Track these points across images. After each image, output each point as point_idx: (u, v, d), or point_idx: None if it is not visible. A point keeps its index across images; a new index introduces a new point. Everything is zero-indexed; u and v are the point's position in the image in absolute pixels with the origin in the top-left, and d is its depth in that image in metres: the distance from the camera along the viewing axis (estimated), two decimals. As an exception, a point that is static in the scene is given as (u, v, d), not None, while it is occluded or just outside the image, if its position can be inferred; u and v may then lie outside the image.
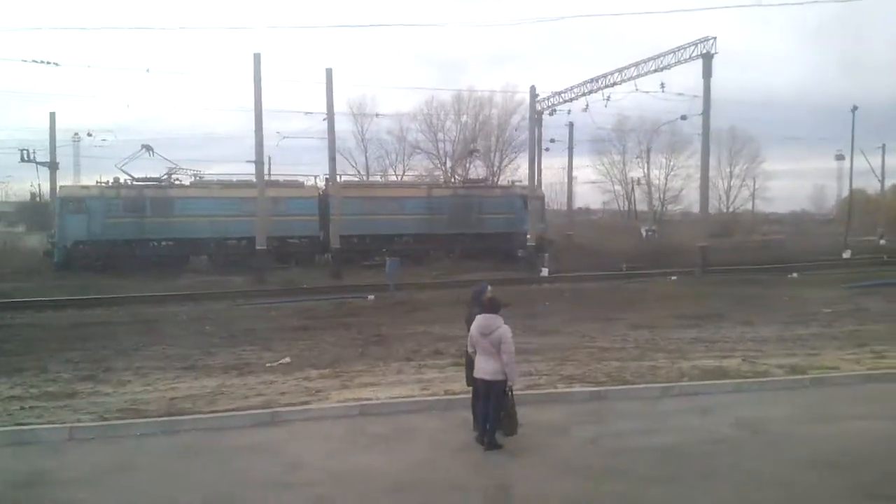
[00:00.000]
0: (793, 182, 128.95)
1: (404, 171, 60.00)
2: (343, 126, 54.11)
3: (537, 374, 10.61)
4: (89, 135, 43.23)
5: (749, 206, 75.64)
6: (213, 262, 33.38)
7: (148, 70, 49.95)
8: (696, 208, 73.86)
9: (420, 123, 60.13)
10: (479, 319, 7.38)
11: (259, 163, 28.47)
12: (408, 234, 36.69)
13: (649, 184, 64.34)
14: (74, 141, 57.48)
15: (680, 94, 31.72)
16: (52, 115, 37.68)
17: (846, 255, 38.38)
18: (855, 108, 45.67)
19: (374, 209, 35.48)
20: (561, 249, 40.02)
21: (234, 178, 35.77)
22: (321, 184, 36.56)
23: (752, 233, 67.26)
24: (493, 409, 7.30)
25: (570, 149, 46.55)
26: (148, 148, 34.68)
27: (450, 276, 30.75)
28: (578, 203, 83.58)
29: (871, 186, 64.90)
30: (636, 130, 62.61)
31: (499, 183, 48.83)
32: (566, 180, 50.13)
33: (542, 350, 12.65)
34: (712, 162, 72.19)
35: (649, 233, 57.56)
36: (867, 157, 58.63)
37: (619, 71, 34.29)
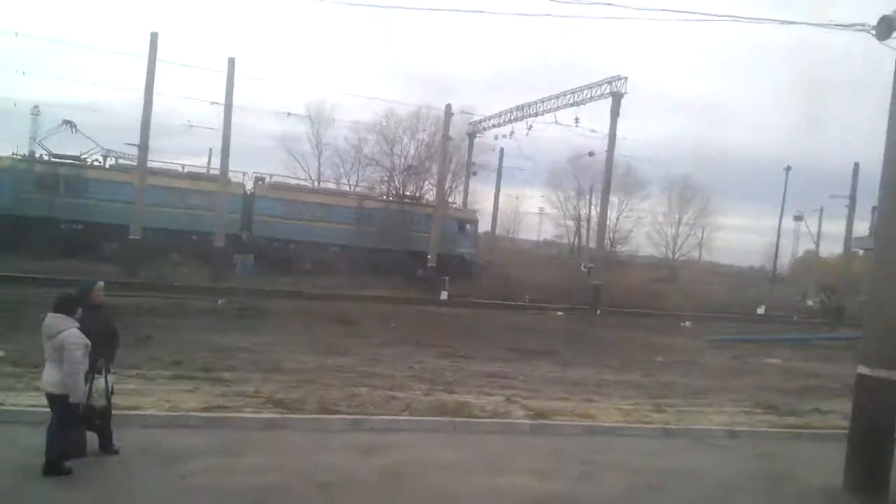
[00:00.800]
0: (757, 238, 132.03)
1: (357, 182, 58.80)
2: (301, 129, 53.73)
3: (254, 394, 9.58)
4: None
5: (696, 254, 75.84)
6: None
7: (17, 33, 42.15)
8: (643, 251, 74.41)
9: (377, 136, 59.07)
10: (46, 319, 6.33)
11: (143, 147, 27.16)
12: (335, 243, 35.14)
13: (589, 221, 63.82)
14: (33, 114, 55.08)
15: (594, 131, 31.24)
16: (-42, 83, 36.14)
17: (760, 310, 38.12)
18: (788, 168, 46.24)
19: (298, 214, 34.16)
20: (480, 276, 39.18)
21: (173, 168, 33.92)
22: (250, 183, 35.31)
23: (695, 281, 67.30)
24: (54, 427, 6.24)
25: (499, 176, 46.33)
26: (70, 124, 33.09)
27: (340, 289, 29.64)
28: (544, 235, 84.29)
29: (827, 249, 66.40)
30: (589, 167, 62.25)
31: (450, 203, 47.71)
32: (521, 208, 49.40)
33: (306, 371, 11.64)
34: (662, 208, 73.16)
35: (587, 269, 57.16)
36: (806, 222, 59.88)
37: (542, 101, 33.91)
